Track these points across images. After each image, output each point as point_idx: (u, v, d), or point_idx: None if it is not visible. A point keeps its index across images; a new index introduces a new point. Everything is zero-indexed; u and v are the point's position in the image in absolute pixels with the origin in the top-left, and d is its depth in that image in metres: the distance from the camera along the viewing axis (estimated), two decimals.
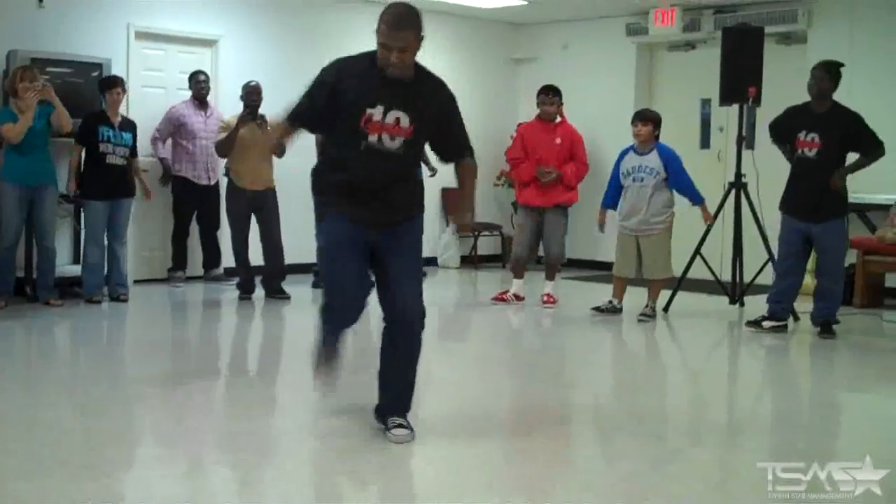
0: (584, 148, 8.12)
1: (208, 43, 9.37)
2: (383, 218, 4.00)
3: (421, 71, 4.04)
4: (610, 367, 6.34)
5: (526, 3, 10.44)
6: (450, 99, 4.16)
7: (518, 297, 8.20)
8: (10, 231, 7.44)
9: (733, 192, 7.83)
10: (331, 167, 4.06)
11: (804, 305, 7.24)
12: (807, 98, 6.83)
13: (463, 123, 4.23)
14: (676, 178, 7.41)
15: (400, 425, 4.01)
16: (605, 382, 5.71)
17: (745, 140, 7.75)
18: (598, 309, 7.64)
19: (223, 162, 8.50)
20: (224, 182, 8.65)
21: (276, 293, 8.13)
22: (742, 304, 7.97)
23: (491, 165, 11.35)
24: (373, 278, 4.08)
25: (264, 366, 6.20)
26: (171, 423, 4.42)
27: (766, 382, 5.97)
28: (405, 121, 3.94)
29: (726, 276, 8.14)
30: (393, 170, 3.99)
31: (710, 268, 7.92)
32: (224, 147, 8.18)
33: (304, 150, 8.84)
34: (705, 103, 10.26)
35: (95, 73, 8.17)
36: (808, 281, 7.37)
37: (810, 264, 7.22)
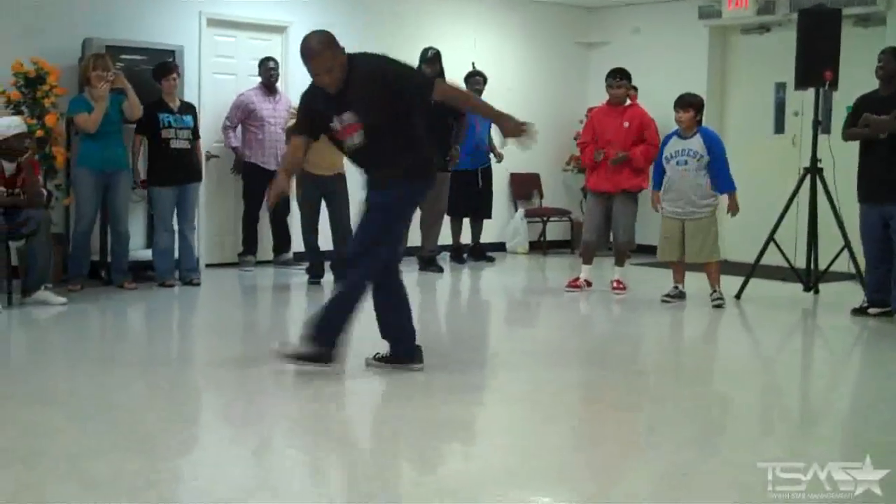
0: (657, 130, 8.02)
1: (279, 29, 9.42)
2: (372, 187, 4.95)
3: (352, 70, 4.70)
4: (680, 354, 6.27)
5: None
6: (377, 71, 4.74)
7: (587, 283, 8.15)
8: (85, 216, 7.58)
9: (808, 177, 7.69)
10: None
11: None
12: None
13: (406, 72, 4.86)
14: (715, 162, 7.31)
15: None
16: (674, 370, 5.64)
17: (821, 125, 7.60)
18: (668, 296, 7.56)
19: None
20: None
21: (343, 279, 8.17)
22: (817, 292, 7.82)
23: (560, 150, 11.29)
24: None
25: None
26: (243, 405, 4.47)
27: (837, 372, 5.85)
28: (352, 118, 4.71)
29: (800, 262, 8.00)
30: (369, 157, 4.83)
31: (784, 254, 7.78)
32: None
33: None
34: (780, 87, 10.09)
35: (169, 60, 8.26)
36: None
37: None
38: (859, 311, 6.97)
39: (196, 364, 4.73)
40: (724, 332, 6.89)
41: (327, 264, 8.22)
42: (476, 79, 9.97)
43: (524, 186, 11.31)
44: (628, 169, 7.89)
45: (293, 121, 8.34)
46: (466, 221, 10.25)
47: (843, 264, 7.51)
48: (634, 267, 9.15)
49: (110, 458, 3.56)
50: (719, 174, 7.34)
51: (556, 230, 11.48)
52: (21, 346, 6.15)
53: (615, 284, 8.09)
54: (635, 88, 8.08)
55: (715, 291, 7.41)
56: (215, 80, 9.03)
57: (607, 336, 6.75)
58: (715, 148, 7.33)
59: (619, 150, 7.84)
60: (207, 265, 8.68)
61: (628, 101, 8.07)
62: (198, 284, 7.97)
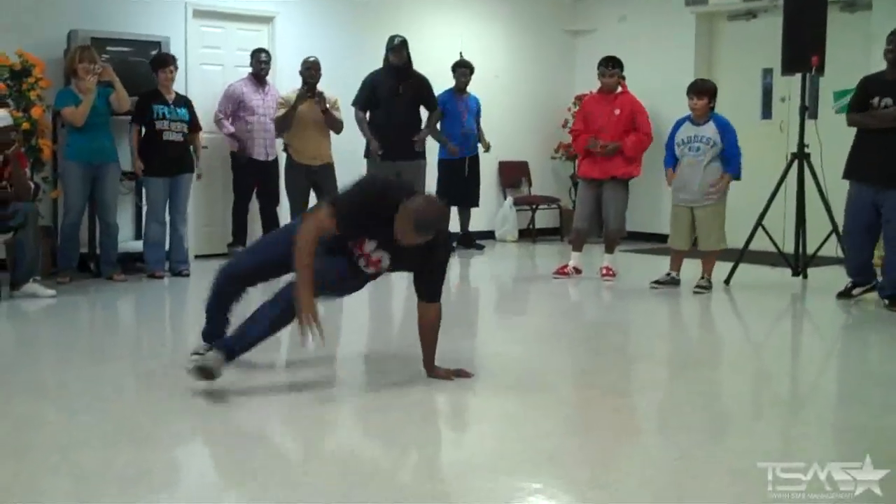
0: (648, 119, 8.02)
1: (265, 20, 9.40)
2: None
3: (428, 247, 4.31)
4: (670, 340, 6.28)
5: None
6: (433, 255, 4.41)
7: (577, 270, 8.16)
8: (73, 208, 7.56)
9: (796, 162, 7.71)
10: None
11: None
12: (872, 68, 6.70)
13: (447, 257, 4.55)
14: (729, 149, 7.30)
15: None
16: (665, 356, 5.66)
17: (808, 110, 7.62)
18: (657, 282, 7.58)
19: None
20: (283, 158, 8.72)
21: None
22: (805, 276, 7.85)
23: (548, 138, 11.31)
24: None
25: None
26: (233, 395, 4.46)
27: (827, 356, 5.88)
28: (384, 261, 4.47)
29: (789, 247, 8.03)
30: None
31: (772, 239, 7.80)
32: (283, 123, 8.26)
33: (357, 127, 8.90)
34: (767, 73, 10.11)
35: (154, 52, 8.24)
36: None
37: None
38: (844, 294, 7.00)
39: (186, 355, 4.72)
40: (714, 318, 6.91)
41: None
42: (462, 70, 9.96)
43: (513, 174, 11.32)
44: (620, 157, 7.90)
45: (282, 111, 8.35)
46: (455, 210, 10.25)
47: (832, 249, 7.53)
48: (623, 253, 9.16)
49: (101, 450, 3.56)
50: (731, 160, 7.32)
51: (545, 218, 11.49)
52: (10, 338, 6.13)
53: (604, 271, 8.10)
54: (624, 75, 8.09)
55: (703, 278, 7.43)
56: (203, 71, 9.01)
57: (598, 322, 6.76)
58: (728, 135, 7.31)
59: (610, 139, 7.85)
60: (196, 256, 8.67)
61: (619, 89, 8.08)
62: (187, 276, 7.97)
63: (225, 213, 9.08)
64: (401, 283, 7.16)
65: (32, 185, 7.16)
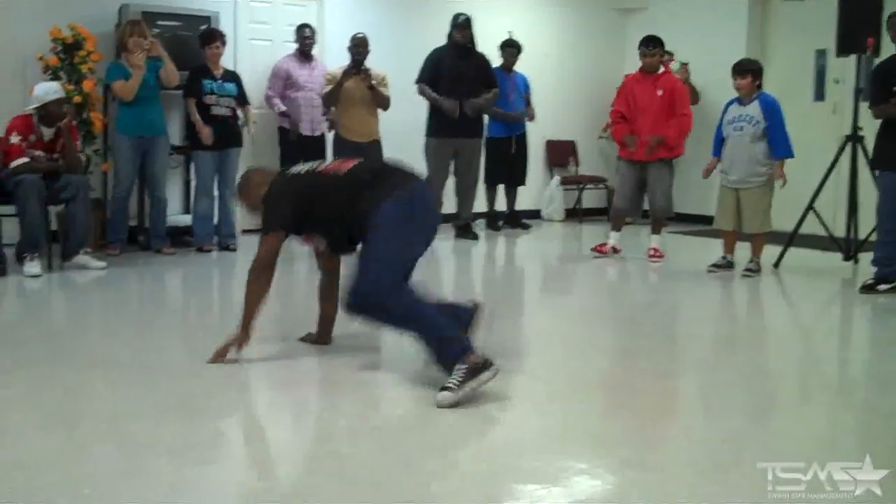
0: (687, 99, 7.95)
1: None
2: None
3: None
4: (715, 322, 6.23)
5: None
6: None
7: (615, 250, 8.12)
8: (123, 181, 7.65)
9: (849, 146, 7.59)
10: None
11: None
12: None
13: None
14: (773, 128, 7.19)
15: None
16: (710, 338, 5.61)
17: (863, 92, 7.50)
18: (714, 266, 7.49)
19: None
20: (330, 135, 8.76)
21: None
22: (856, 261, 7.75)
23: (596, 117, 11.22)
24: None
25: None
26: (281, 369, 4.49)
27: (875, 342, 5.79)
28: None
29: (840, 231, 7.92)
30: None
31: (823, 223, 7.69)
32: (329, 98, 8.29)
33: (408, 104, 8.91)
34: (820, 54, 9.96)
35: (204, 26, 8.29)
36: None
37: None
38: (867, 289, 6.75)
39: (234, 329, 4.75)
40: (762, 302, 6.84)
41: None
42: (510, 50, 9.91)
43: (560, 154, 11.26)
44: (665, 146, 7.86)
45: (329, 87, 8.37)
46: (501, 189, 10.23)
47: None
48: (671, 235, 9.08)
49: (149, 421, 3.60)
50: (777, 140, 7.20)
51: (591, 198, 11.44)
52: (61, 309, 6.22)
53: (652, 252, 8.05)
54: (670, 54, 8.00)
55: (752, 261, 7.35)
56: (252, 46, 9.05)
57: (644, 303, 6.72)
58: (773, 114, 7.20)
59: (651, 120, 7.79)
60: (244, 231, 8.73)
61: (661, 69, 8.00)
62: (234, 250, 8.03)
63: None
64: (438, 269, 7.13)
65: (83, 158, 7.25)
